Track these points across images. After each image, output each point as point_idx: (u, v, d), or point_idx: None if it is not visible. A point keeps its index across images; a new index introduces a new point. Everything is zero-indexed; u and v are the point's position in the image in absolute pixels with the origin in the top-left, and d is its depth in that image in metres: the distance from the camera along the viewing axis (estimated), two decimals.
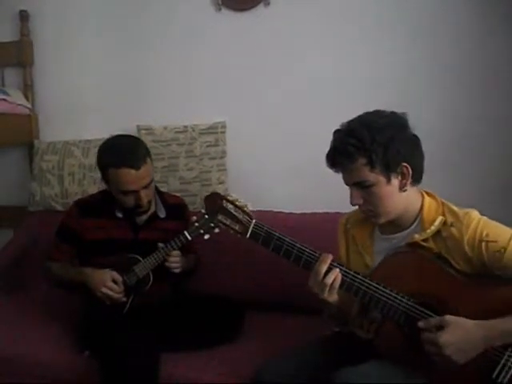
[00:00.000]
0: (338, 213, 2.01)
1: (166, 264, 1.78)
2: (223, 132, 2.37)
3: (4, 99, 2.38)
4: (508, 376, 1.23)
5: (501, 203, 1.92)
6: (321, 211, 2.18)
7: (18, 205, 2.62)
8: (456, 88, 2.16)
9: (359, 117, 1.39)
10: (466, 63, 2.15)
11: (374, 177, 1.34)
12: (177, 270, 1.80)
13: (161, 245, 1.77)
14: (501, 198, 2.07)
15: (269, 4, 2.30)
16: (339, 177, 1.43)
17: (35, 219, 2.47)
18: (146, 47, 2.46)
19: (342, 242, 1.58)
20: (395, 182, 1.36)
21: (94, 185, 2.37)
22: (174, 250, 1.77)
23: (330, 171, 1.43)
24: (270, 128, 2.35)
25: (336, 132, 1.41)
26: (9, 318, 1.98)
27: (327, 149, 1.41)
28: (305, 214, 2.21)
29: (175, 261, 1.79)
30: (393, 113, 1.39)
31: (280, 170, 2.35)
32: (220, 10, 2.35)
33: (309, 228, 2.04)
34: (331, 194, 2.09)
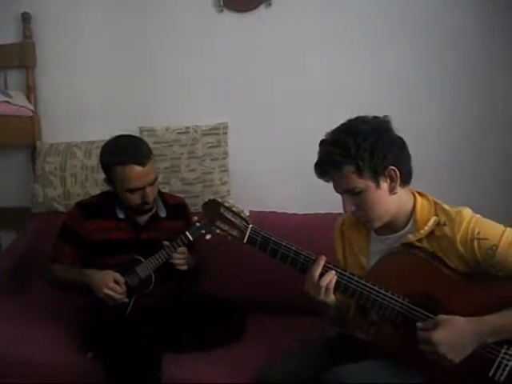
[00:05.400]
0: (340, 213, 2.00)
1: (172, 261, 1.77)
2: (225, 133, 2.38)
3: (6, 101, 2.39)
4: (504, 374, 1.24)
5: (502, 203, 1.92)
6: (323, 212, 2.18)
7: (21, 206, 2.63)
8: (456, 89, 2.16)
9: (342, 125, 1.40)
10: (466, 64, 2.15)
11: (363, 183, 1.35)
12: (183, 267, 1.80)
13: (166, 243, 1.77)
14: (502, 198, 2.06)
15: (270, 5, 2.31)
16: None
17: (38, 220, 2.47)
18: (148, 49, 2.47)
19: (339, 244, 1.58)
20: (384, 185, 1.36)
21: (96, 186, 2.37)
22: (176, 249, 1.76)
23: (319, 179, 1.43)
24: (272, 129, 2.36)
25: (321, 142, 1.42)
26: (11, 319, 1.98)
27: None
28: (307, 214, 2.21)
29: (180, 257, 1.78)
30: (375, 117, 1.40)
31: (282, 171, 2.35)
32: (222, 11, 2.35)
33: (311, 228, 2.04)
34: (333, 195, 2.09)
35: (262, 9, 2.32)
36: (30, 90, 2.57)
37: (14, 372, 1.76)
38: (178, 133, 2.39)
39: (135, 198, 1.80)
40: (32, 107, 2.55)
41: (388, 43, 2.21)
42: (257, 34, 2.34)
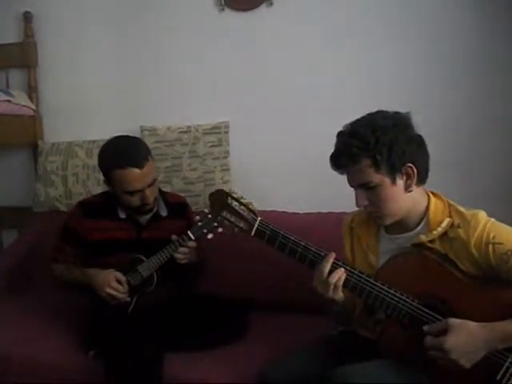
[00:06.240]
0: (342, 212, 2.00)
1: (174, 254, 1.77)
2: (226, 132, 2.38)
3: (8, 100, 2.39)
4: None
5: (502, 203, 1.92)
6: (325, 211, 2.19)
7: (23, 205, 2.63)
8: (457, 88, 2.16)
9: (362, 118, 1.38)
10: (467, 63, 2.15)
11: (379, 178, 1.33)
12: (183, 261, 1.79)
13: (175, 237, 1.76)
14: (502, 199, 2.07)
15: (271, 4, 2.31)
16: (343, 176, 1.42)
17: (40, 220, 2.48)
18: (149, 48, 2.47)
19: (347, 241, 1.57)
20: (400, 182, 1.35)
21: (97, 185, 2.37)
22: (177, 249, 1.76)
23: (334, 171, 1.42)
24: (273, 128, 2.36)
25: (339, 134, 1.40)
26: (13, 319, 1.99)
27: (331, 148, 1.40)
28: (309, 213, 2.22)
29: (182, 251, 1.77)
30: (396, 113, 1.38)
31: (283, 170, 2.36)
32: (223, 10, 2.36)
33: (313, 228, 2.04)
34: (335, 194, 2.10)
35: (263, 8, 2.32)
36: (32, 90, 2.58)
37: (16, 372, 1.76)
38: (180, 132, 2.39)
39: (135, 200, 1.80)
40: (34, 106, 2.55)
41: (388, 43, 2.21)
42: (258, 33, 2.34)
